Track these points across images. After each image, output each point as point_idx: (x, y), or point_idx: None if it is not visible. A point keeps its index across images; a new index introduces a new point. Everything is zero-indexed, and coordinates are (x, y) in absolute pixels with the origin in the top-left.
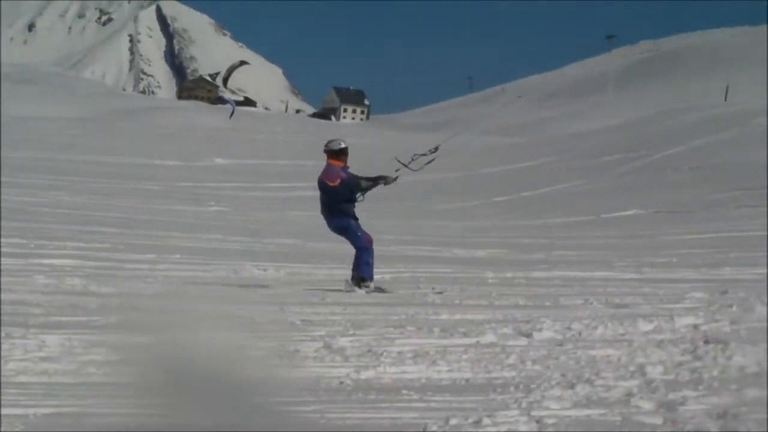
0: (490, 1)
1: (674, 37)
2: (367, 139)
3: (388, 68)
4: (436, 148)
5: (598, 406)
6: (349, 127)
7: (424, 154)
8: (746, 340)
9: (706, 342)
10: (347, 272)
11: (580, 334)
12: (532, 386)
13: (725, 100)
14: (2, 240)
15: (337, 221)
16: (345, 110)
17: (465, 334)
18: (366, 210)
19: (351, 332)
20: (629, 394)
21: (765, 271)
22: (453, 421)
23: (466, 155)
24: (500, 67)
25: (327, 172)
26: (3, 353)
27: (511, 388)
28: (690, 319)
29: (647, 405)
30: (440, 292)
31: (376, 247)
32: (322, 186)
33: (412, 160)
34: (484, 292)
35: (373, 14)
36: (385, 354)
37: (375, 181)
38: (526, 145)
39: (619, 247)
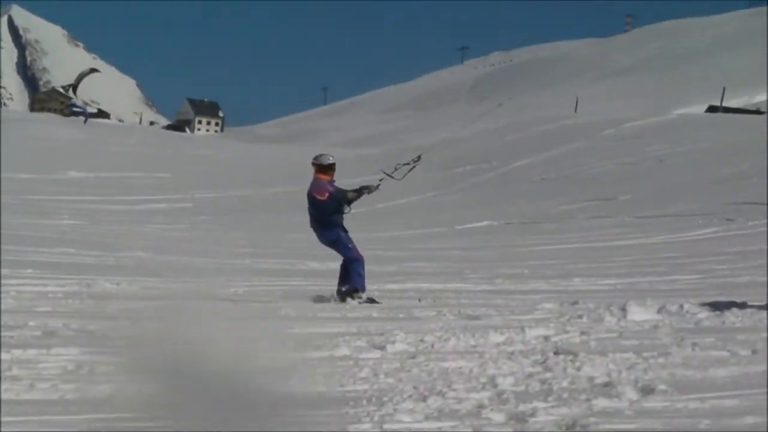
0: (344, 11)
1: (525, 49)
2: (221, 151)
3: (243, 80)
4: (419, 158)
5: (450, 419)
6: (203, 139)
7: (407, 164)
8: (595, 350)
9: (556, 353)
10: (204, 285)
11: (432, 346)
12: (385, 399)
13: (575, 111)
14: None
15: (327, 234)
16: (199, 122)
17: (318, 348)
18: (214, 223)
19: None
20: (480, 406)
21: (614, 281)
22: None
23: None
24: (356, 78)
25: (315, 186)
26: None
27: (364, 402)
28: (541, 331)
29: (498, 417)
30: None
31: (222, 260)
32: (311, 200)
33: (396, 169)
34: (337, 305)
35: (227, 26)
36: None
37: (360, 191)
38: (378, 156)
39: (472, 259)
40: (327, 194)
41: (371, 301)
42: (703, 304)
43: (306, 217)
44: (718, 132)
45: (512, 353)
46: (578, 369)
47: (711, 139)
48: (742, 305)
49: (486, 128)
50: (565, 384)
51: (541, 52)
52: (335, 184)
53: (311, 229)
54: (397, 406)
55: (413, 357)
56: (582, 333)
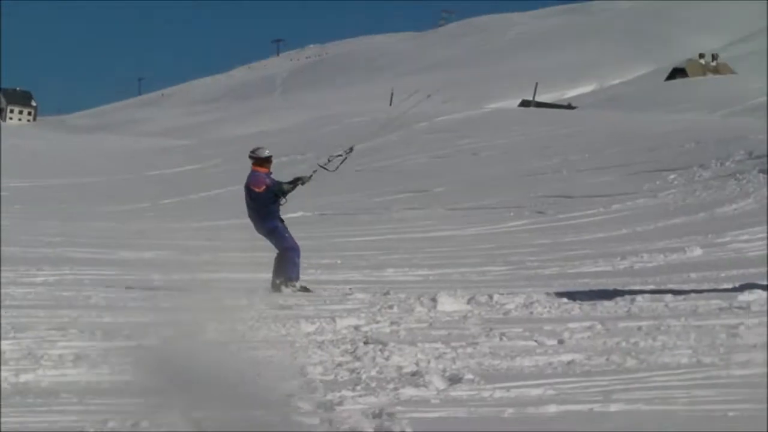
0: (158, 1)
1: (340, 42)
2: (34, 141)
3: (58, 69)
4: (351, 149)
5: (259, 407)
6: (15, 128)
7: (339, 155)
8: (405, 340)
9: (366, 342)
10: (12, 273)
11: (243, 335)
12: (195, 388)
13: (390, 105)
14: None
15: (264, 224)
16: (11, 111)
17: (128, 337)
18: (27, 212)
19: (12, 335)
20: (289, 395)
21: (426, 272)
22: (111, 424)
23: (130, 158)
24: (171, 69)
25: (253, 179)
26: None
27: (174, 390)
28: (352, 320)
29: (306, 405)
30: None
31: (33, 248)
32: (249, 192)
33: (329, 161)
34: (149, 295)
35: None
36: (45, 357)
37: (294, 183)
38: (192, 147)
39: None
40: (264, 187)
41: (305, 289)
42: (512, 295)
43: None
44: (530, 126)
45: (322, 343)
46: (387, 358)
47: (523, 132)
48: (550, 296)
49: (300, 120)
50: (373, 373)
51: (357, 46)
52: (272, 176)
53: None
54: (207, 394)
55: (224, 346)
56: (392, 323)
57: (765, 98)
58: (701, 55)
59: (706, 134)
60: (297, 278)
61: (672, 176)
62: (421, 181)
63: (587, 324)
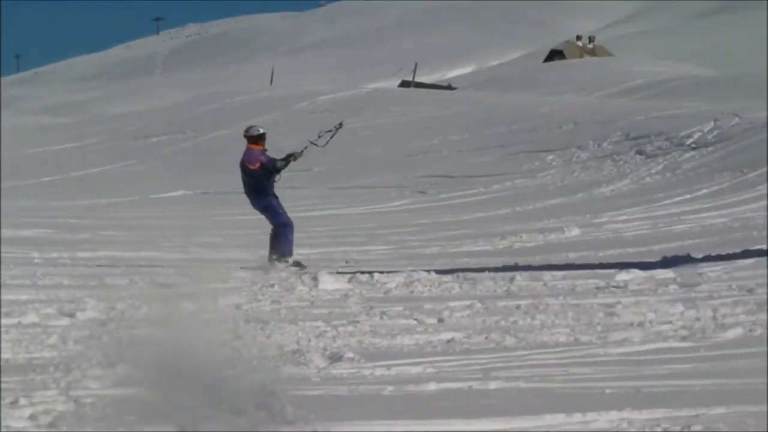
0: None
1: (220, 21)
2: None
3: None
4: (341, 124)
5: (138, 385)
6: None
7: (329, 131)
8: (286, 319)
9: (247, 321)
10: None
11: (123, 314)
12: (73, 366)
13: (271, 84)
14: None
15: (260, 201)
16: None
17: (7, 315)
18: None
19: None
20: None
21: (309, 251)
22: None
23: (10, 135)
24: (50, 45)
25: (248, 157)
26: None
27: (51, 368)
28: (233, 299)
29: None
30: None
31: None
32: (244, 169)
33: (319, 136)
34: (28, 272)
35: None
36: None
37: (287, 159)
38: (72, 125)
39: (167, 228)
40: (258, 164)
41: (298, 264)
42: (393, 274)
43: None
44: (410, 106)
45: (204, 321)
46: (268, 337)
47: (404, 113)
48: (430, 275)
49: (181, 99)
50: (254, 351)
51: (237, 25)
52: (267, 153)
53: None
54: (85, 373)
55: (103, 324)
56: (273, 301)
57: (641, 80)
58: (578, 37)
59: (584, 116)
60: (290, 254)
61: (551, 157)
62: (301, 160)
63: (467, 303)
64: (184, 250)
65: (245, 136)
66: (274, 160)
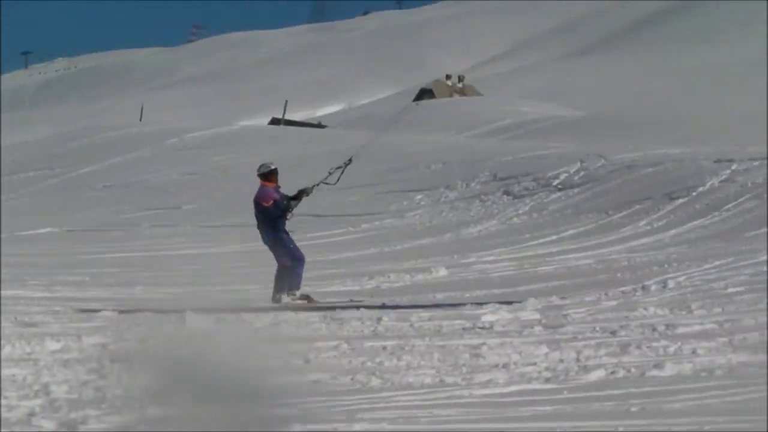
0: None
1: (90, 56)
2: None
3: None
4: (350, 160)
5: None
6: None
7: (339, 167)
8: (151, 358)
9: (113, 361)
10: None
11: None
12: None
13: (140, 120)
14: None
15: (272, 236)
16: None
17: None
18: None
19: None
20: (31, 414)
21: (177, 290)
22: None
23: None
24: None
25: (261, 194)
26: None
27: None
28: (98, 338)
29: (48, 424)
30: None
31: None
32: (257, 206)
33: (330, 174)
34: None
35: None
36: None
37: (299, 196)
38: None
39: (33, 265)
40: (272, 201)
41: (306, 297)
42: (261, 313)
43: None
44: (281, 144)
45: (68, 361)
46: (134, 377)
47: (275, 150)
48: (298, 315)
49: (50, 134)
50: (119, 392)
51: (108, 60)
52: (280, 189)
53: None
54: None
55: None
56: (140, 341)
57: (509, 120)
58: (448, 77)
59: (452, 155)
60: (298, 287)
61: (419, 197)
62: (171, 197)
63: (333, 343)
64: (49, 289)
65: (258, 174)
66: (286, 197)
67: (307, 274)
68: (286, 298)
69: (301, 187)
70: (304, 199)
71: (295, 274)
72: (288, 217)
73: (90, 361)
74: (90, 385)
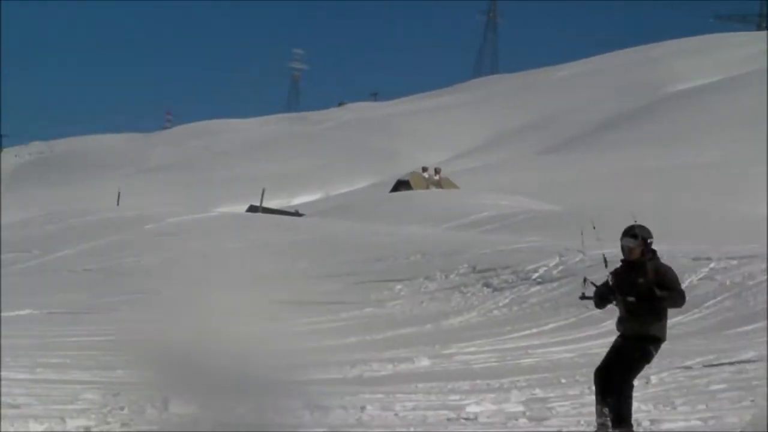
0: None
1: (65, 140)
2: None
3: None
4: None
5: None
6: None
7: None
8: None
9: None
10: None
11: None
12: None
13: (118, 204)
14: None
15: None
16: None
17: None
18: None
19: None
20: None
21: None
22: None
23: None
24: None
25: None
26: None
27: None
28: (82, 421)
29: None
30: None
31: None
32: None
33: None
34: None
35: None
36: None
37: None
38: None
39: (13, 347)
40: None
41: None
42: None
43: None
44: (258, 231)
45: None
46: None
47: (253, 237)
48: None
49: (25, 217)
50: None
51: (82, 144)
52: None
53: None
54: None
55: None
56: (123, 424)
57: (486, 213)
58: (424, 169)
59: (431, 246)
60: None
61: (399, 287)
62: (150, 282)
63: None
64: (31, 371)
65: None
66: None
67: (286, 361)
68: None
69: None
70: (288, 287)
71: None
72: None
73: None
74: None
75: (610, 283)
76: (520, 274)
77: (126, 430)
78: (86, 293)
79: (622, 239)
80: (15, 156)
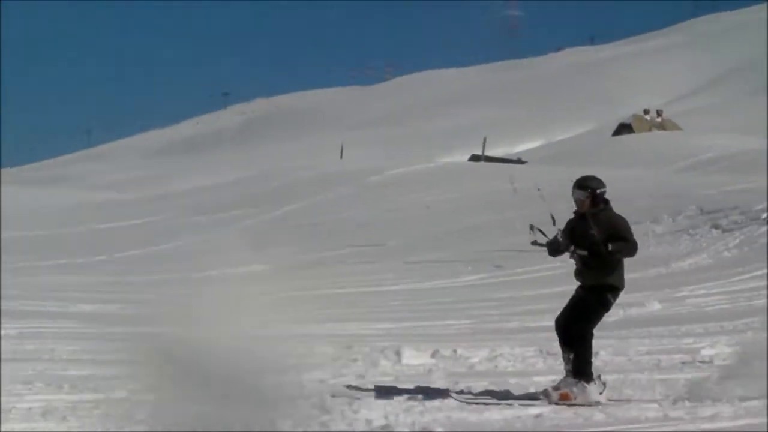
0: (103, 55)
1: (288, 96)
2: None
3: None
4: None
5: None
6: None
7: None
8: (372, 393)
9: (333, 396)
10: None
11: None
12: None
13: (341, 158)
14: None
15: None
16: None
17: (95, 390)
18: None
19: None
20: None
21: (388, 326)
22: None
23: (80, 210)
24: (119, 121)
25: None
26: None
27: None
28: (317, 374)
29: None
30: None
31: None
32: None
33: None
34: (112, 348)
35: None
36: (13, 411)
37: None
38: (143, 200)
39: (247, 306)
40: None
41: None
42: (476, 348)
43: None
44: (481, 180)
45: (290, 396)
46: (356, 412)
47: (475, 187)
48: (514, 350)
49: (250, 174)
50: (343, 426)
51: (304, 99)
52: None
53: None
54: None
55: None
56: (358, 376)
57: (711, 154)
58: (646, 111)
59: (656, 189)
60: None
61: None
62: (375, 234)
63: (552, 378)
64: (264, 326)
65: None
66: None
67: (518, 308)
68: None
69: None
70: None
71: None
72: None
73: (311, 397)
74: (315, 419)
75: (560, 238)
76: (748, 215)
77: (361, 381)
78: (314, 247)
79: (572, 192)
80: (238, 113)
